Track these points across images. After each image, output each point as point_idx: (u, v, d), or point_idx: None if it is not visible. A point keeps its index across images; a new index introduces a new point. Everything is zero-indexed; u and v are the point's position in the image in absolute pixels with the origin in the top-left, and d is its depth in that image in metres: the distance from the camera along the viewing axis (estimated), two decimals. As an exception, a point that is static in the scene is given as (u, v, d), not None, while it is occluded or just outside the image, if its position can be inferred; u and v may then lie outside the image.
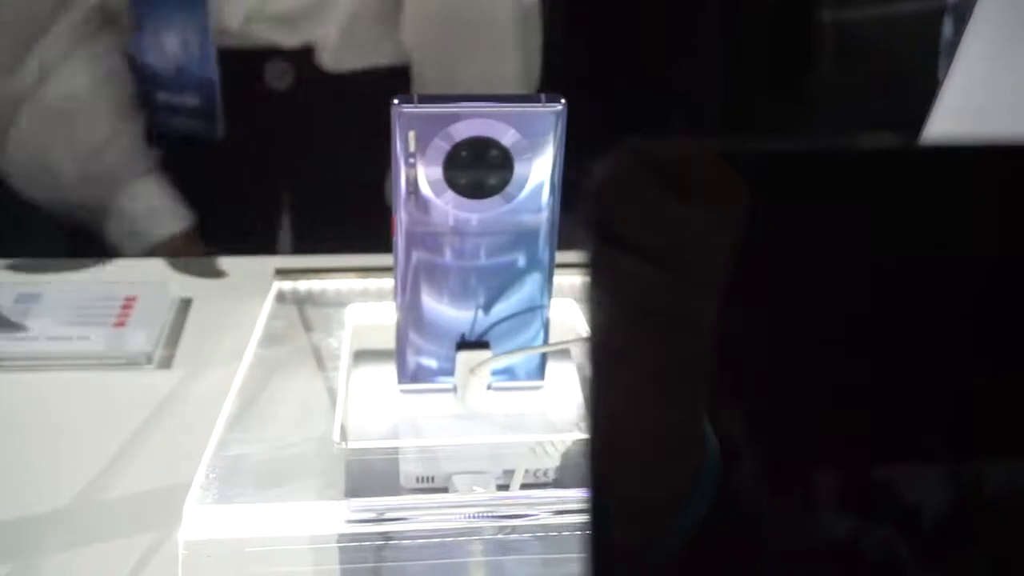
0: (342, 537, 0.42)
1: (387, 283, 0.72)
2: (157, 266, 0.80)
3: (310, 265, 0.74)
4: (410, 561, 0.43)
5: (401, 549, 0.42)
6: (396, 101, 0.47)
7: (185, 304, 0.73)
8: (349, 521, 0.42)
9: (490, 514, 0.44)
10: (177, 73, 0.98)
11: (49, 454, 0.54)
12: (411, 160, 0.48)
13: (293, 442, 0.49)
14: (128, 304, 0.70)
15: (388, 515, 0.42)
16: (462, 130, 0.48)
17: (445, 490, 0.48)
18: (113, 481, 0.51)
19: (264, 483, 0.46)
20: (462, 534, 0.43)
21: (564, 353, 0.59)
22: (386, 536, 0.42)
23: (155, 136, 1.02)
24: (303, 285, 0.72)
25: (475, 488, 0.46)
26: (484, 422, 0.53)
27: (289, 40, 1.00)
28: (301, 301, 0.69)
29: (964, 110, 0.36)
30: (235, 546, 0.41)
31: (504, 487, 0.48)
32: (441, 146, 0.48)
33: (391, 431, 0.51)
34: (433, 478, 0.49)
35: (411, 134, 0.48)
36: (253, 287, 0.74)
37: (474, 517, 0.43)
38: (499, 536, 0.44)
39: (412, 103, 0.48)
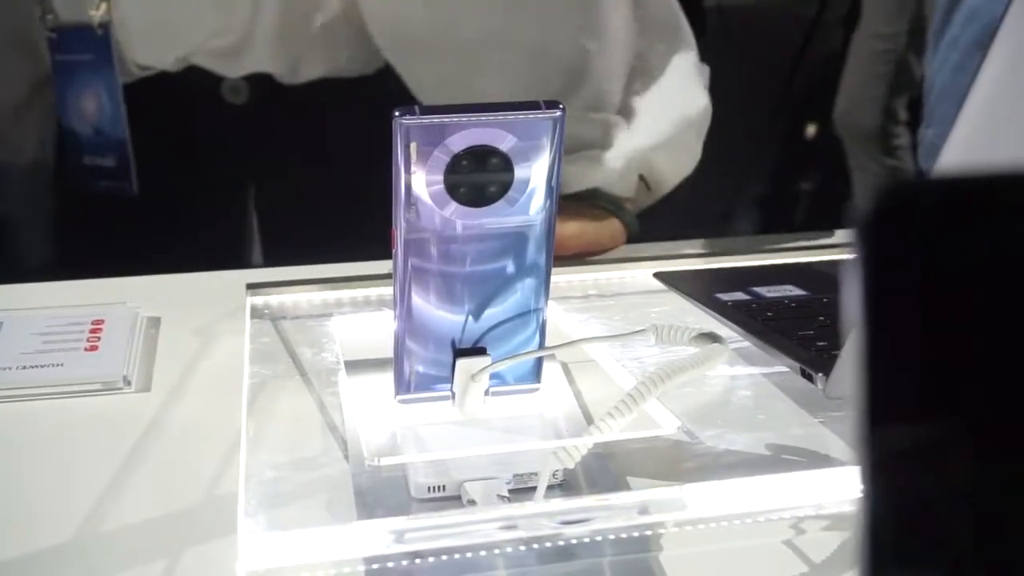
0: (408, 554, 0.41)
1: (362, 293, 0.72)
2: (117, 286, 0.78)
3: (280, 278, 0.73)
4: (480, 573, 0.43)
5: (461, 563, 0.42)
6: (396, 113, 0.47)
7: (154, 323, 0.71)
8: (410, 540, 0.41)
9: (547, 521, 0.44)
10: (96, 134, 0.99)
11: (43, 487, 0.52)
12: (412, 171, 0.48)
13: (321, 462, 0.49)
14: (96, 327, 0.68)
15: (452, 530, 0.42)
16: (462, 139, 0.48)
17: (457, 499, 0.48)
18: (116, 510, 0.49)
19: (306, 505, 0.45)
20: (523, 543, 0.43)
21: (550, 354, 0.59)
22: (448, 551, 0.42)
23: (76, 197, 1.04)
24: (275, 299, 0.72)
25: (501, 495, 0.46)
26: (487, 427, 0.53)
27: (235, 71, 0.98)
28: (277, 316, 0.69)
29: (986, 123, 0.38)
30: (298, 573, 0.40)
31: (517, 492, 0.48)
32: (441, 156, 0.48)
33: (399, 444, 0.51)
34: (444, 487, 0.49)
35: (412, 145, 0.48)
36: (219, 303, 0.73)
37: (511, 526, 0.43)
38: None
39: (413, 114, 0.47)
